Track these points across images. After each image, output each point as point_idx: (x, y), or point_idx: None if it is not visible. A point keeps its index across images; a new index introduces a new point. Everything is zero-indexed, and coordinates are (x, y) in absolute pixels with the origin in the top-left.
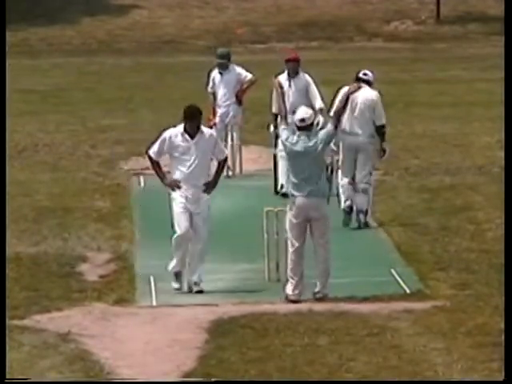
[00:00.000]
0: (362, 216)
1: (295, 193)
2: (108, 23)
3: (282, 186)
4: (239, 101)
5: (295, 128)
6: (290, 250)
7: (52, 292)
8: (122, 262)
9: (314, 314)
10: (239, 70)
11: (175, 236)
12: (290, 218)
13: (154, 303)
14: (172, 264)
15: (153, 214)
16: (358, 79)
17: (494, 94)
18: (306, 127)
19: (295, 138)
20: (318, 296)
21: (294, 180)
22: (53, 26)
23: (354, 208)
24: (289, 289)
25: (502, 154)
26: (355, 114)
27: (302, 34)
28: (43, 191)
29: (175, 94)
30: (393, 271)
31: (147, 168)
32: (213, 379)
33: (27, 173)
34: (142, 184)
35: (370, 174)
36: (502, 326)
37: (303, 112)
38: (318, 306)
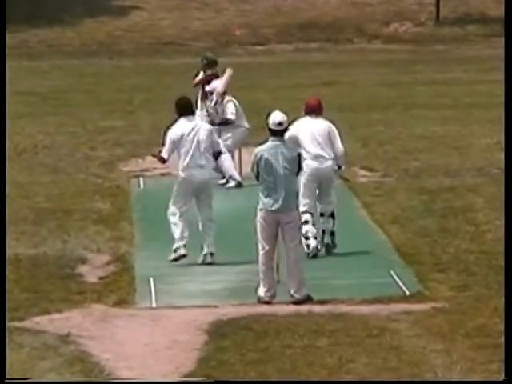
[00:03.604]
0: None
1: (265, 199)
2: (108, 25)
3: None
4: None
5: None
6: (261, 252)
7: (52, 294)
8: (121, 263)
9: (313, 315)
10: None
11: None
12: (259, 220)
13: (154, 305)
14: None
15: (152, 215)
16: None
17: (494, 95)
18: (281, 131)
19: (271, 148)
20: (296, 297)
21: (265, 186)
22: (53, 27)
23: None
24: (261, 291)
25: (502, 155)
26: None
27: (302, 36)
28: (43, 193)
29: (175, 96)
30: (392, 273)
31: (146, 170)
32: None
33: (27, 175)
34: (142, 186)
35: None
36: (502, 327)
37: (280, 116)
38: (318, 308)
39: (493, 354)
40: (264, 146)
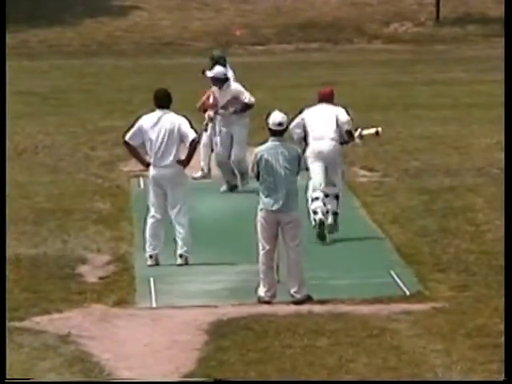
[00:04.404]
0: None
1: (266, 199)
2: (108, 25)
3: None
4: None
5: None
6: (261, 252)
7: (52, 294)
8: (121, 263)
9: (313, 315)
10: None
11: None
12: (259, 219)
13: (154, 305)
14: None
15: None
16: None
17: (494, 95)
18: (281, 131)
19: (271, 148)
20: (297, 297)
21: (266, 186)
22: (53, 27)
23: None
24: (261, 290)
25: (502, 155)
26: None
27: (302, 36)
28: (43, 193)
29: (174, 96)
30: (392, 273)
31: (146, 169)
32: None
33: (27, 175)
34: (142, 186)
35: None
36: (502, 327)
37: (280, 116)
38: (318, 308)
39: (493, 353)
40: (264, 146)
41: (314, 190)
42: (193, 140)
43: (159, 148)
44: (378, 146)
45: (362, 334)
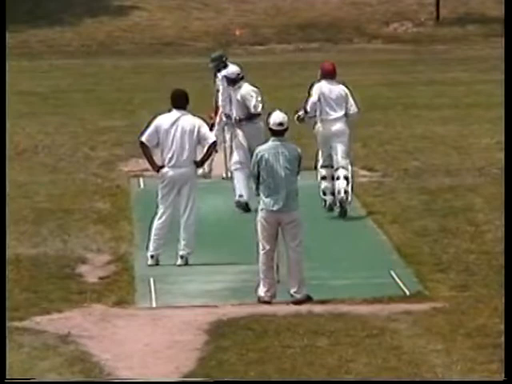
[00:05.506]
0: None
1: (266, 199)
2: (108, 25)
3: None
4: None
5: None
6: (261, 252)
7: (52, 293)
8: (121, 263)
9: (313, 315)
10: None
11: None
12: (260, 219)
13: (154, 305)
14: None
15: (152, 215)
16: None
17: (494, 95)
18: (282, 131)
19: (271, 148)
20: (297, 297)
21: (266, 186)
22: (53, 27)
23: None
24: (261, 290)
25: (502, 155)
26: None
27: (302, 36)
28: (43, 193)
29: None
30: (392, 273)
31: (146, 169)
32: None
33: (27, 174)
34: (142, 185)
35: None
36: (502, 327)
37: (280, 116)
38: (318, 308)
39: (493, 354)
40: (264, 146)
41: (322, 167)
42: (212, 143)
43: (177, 148)
44: (378, 146)
45: (361, 333)
